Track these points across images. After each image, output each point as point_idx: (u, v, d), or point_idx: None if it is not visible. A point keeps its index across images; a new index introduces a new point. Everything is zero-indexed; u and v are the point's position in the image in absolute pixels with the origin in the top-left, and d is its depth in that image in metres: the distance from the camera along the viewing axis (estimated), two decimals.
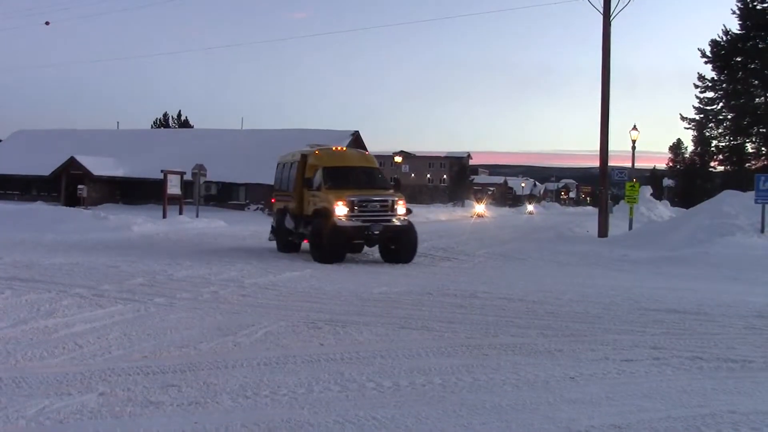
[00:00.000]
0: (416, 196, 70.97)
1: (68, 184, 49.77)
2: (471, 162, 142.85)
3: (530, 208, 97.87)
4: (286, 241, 21.23)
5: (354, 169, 20.49)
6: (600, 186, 31.58)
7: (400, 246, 19.00)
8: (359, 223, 18.35)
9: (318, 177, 19.53)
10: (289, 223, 20.60)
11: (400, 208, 19.06)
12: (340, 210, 18.22)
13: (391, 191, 19.85)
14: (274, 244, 21.98)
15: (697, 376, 7.37)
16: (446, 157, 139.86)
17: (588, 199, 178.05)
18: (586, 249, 23.82)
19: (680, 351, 8.46)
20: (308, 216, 19.75)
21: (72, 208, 35.00)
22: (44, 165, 51.21)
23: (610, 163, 31.44)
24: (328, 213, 18.43)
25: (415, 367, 7.41)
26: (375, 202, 18.92)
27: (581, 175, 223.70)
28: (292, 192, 20.91)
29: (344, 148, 21.54)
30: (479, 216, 61.22)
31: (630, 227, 31.52)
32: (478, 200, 70.30)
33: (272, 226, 22.50)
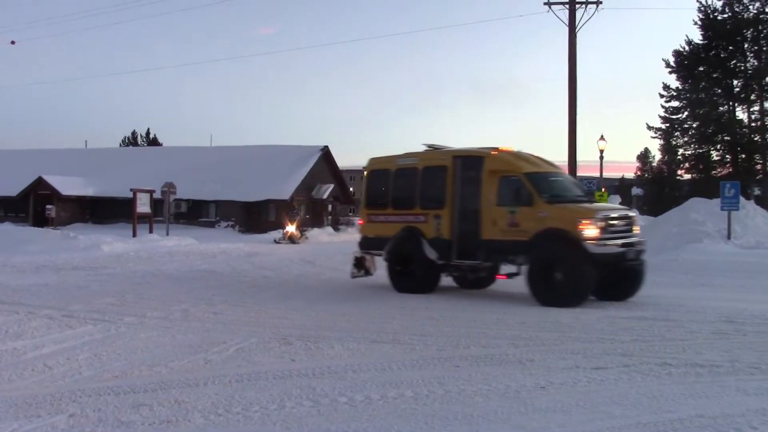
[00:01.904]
0: None
1: (36, 204, 49.25)
2: None
3: None
4: (423, 277, 15.66)
5: (558, 176, 16.05)
6: None
7: (629, 277, 14.38)
8: (617, 249, 13.73)
9: (522, 187, 14.39)
10: (430, 252, 15.34)
11: (636, 226, 14.94)
12: (590, 231, 13.54)
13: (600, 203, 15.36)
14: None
15: (665, 381, 7.45)
16: None
17: None
18: None
19: (649, 357, 8.55)
20: (495, 242, 14.55)
21: (40, 229, 34.65)
22: (11, 185, 50.67)
23: (579, 173, 31.70)
24: (568, 236, 13.68)
25: (387, 381, 7.43)
26: (622, 219, 14.54)
27: None
28: (430, 208, 15.71)
29: (512, 148, 16.22)
30: None
31: None
32: None
33: (358, 258, 17.21)
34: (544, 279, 13.73)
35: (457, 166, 15.61)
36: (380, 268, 16.95)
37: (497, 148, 15.64)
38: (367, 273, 17.17)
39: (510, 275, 14.93)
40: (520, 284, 14.22)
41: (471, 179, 15.29)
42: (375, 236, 16.78)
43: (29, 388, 7.13)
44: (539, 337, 10.03)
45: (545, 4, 29.14)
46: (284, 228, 35.81)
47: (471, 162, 15.49)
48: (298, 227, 35.82)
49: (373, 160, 17.72)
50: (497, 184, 14.79)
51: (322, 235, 42.66)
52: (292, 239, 34.86)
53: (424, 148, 16.99)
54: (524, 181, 14.49)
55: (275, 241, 34.80)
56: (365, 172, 17.85)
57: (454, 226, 15.36)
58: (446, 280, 16.32)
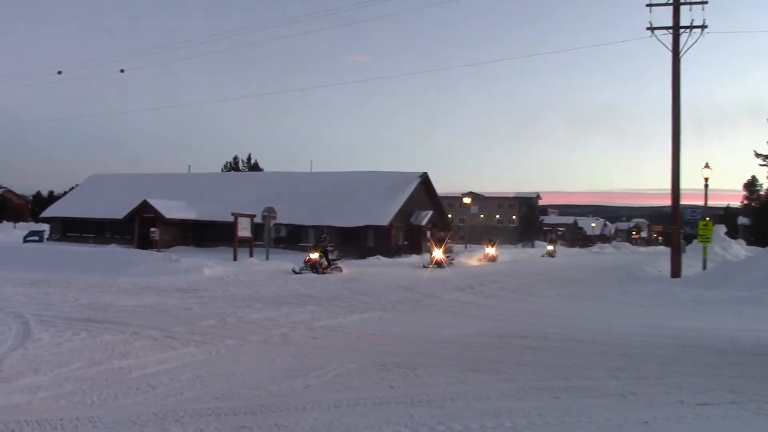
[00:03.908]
0: (485, 237, 66.78)
1: (141, 227, 50.66)
2: (540, 202, 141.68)
3: (551, 248, 66.53)
4: None
5: None
6: (672, 225, 31.01)
7: None
8: None
9: None
10: None
11: None
12: None
13: None
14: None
15: None
16: (515, 198, 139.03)
17: (659, 238, 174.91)
18: (659, 289, 23.37)
19: (759, 395, 8.22)
20: None
21: (144, 251, 35.56)
22: (118, 208, 52.28)
23: (682, 202, 30.91)
24: None
25: (486, 410, 7.34)
26: None
27: (652, 214, 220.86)
28: None
29: None
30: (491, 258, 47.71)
31: (704, 267, 30.89)
32: (491, 243, 49.95)
33: None
34: None
35: None
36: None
37: None
38: None
39: None
40: (620, 315, 13.82)
41: None
42: None
43: (134, 406, 7.30)
44: (642, 370, 9.77)
45: (648, 29, 28.69)
46: (309, 255, 30.80)
47: None
48: (321, 255, 30.46)
49: None
50: None
51: (419, 262, 42.52)
52: (314, 268, 29.99)
53: None
54: None
55: (294, 271, 29.69)
56: None
57: None
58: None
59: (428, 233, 50.25)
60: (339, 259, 32.33)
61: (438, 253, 38.32)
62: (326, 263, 30.64)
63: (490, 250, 48.67)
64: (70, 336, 11.60)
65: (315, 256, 30.31)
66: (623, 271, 35.86)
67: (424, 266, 36.89)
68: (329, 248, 31.46)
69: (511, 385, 8.66)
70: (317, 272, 29.58)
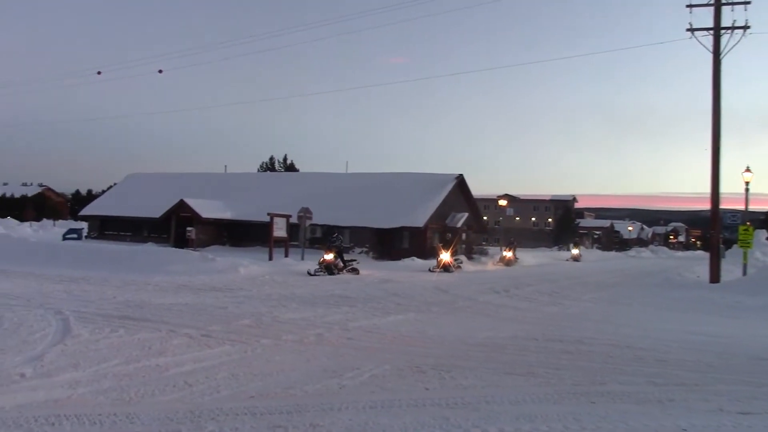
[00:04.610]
0: (521, 239, 65.09)
1: (177, 226, 50.89)
2: (577, 205, 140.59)
3: (575, 251, 62.49)
4: None
5: None
6: (711, 229, 30.64)
7: None
8: None
9: None
10: None
11: None
12: None
13: None
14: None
15: None
16: (551, 200, 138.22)
17: (697, 243, 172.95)
18: (697, 295, 23.13)
19: None
20: None
21: (181, 250, 35.67)
22: (155, 207, 52.60)
23: (722, 206, 30.50)
24: None
25: (521, 414, 7.30)
26: None
27: (690, 218, 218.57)
28: None
29: None
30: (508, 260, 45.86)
31: (744, 272, 30.49)
32: (509, 245, 47.94)
33: None
34: None
35: None
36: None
37: None
38: None
39: None
40: (657, 321, 13.64)
41: None
42: None
43: (171, 403, 7.36)
44: (679, 377, 9.66)
45: (688, 30, 28.39)
46: (323, 256, 29.68)
47: None
48: (336, 256, 29.52)
49: None
50: None
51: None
52: (329, 269, 29.14)
53: None
54: None
55: (309, 273, 28.74)
56: None
57: None
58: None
59: (464, 235, 49.57)
60: (354, 260, 31.84)
61: (445, 257, 36.04)
62: (341, 264, 30.15)
63: (507, 253, 46.68)
64: (108, 333, 11.72)
65: (329, 257, 29.53)
66: (661, 275, 35.54)
67: (430, 270, 35.25)
68: (342, 247, 30.94)
69: (547, 389, 8.61)
70: (332, 273, 28.97)
